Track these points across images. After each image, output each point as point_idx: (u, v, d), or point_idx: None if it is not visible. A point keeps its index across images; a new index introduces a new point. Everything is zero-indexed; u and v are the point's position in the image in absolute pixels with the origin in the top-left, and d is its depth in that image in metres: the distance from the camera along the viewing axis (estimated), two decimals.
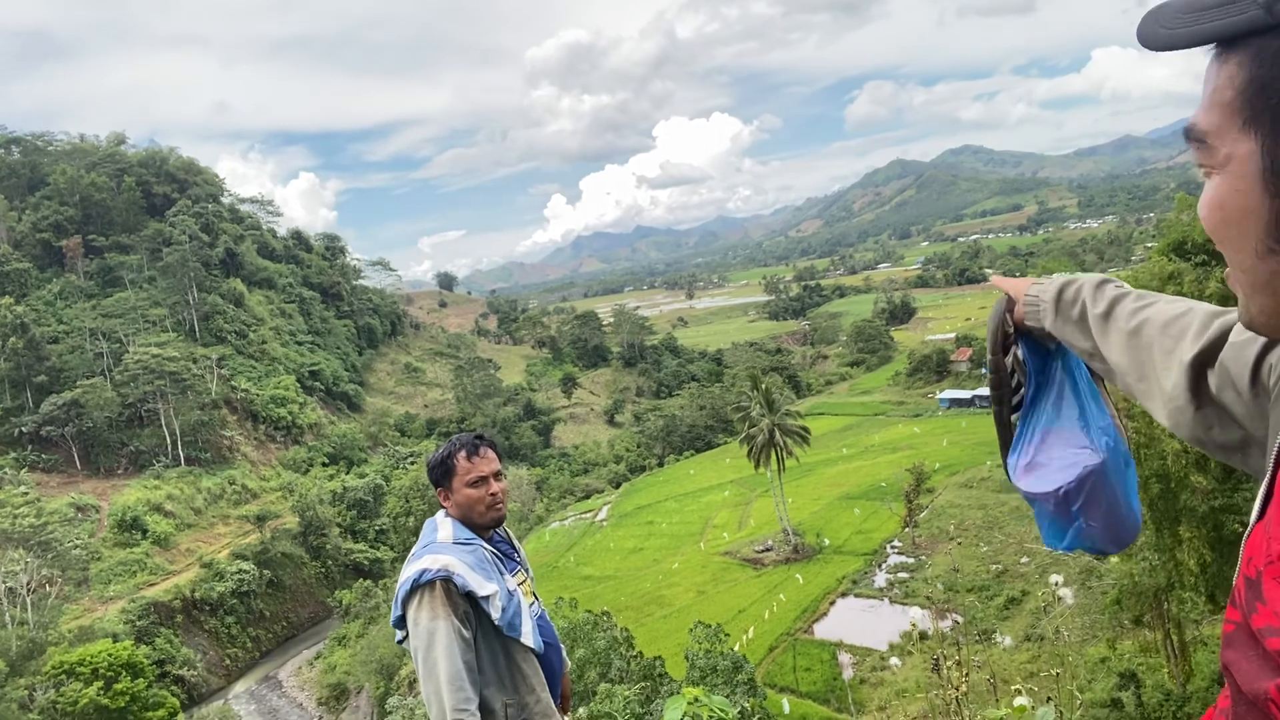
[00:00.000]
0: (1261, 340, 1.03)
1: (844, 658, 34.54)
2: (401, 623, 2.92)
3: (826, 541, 50.29)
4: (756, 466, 53.83)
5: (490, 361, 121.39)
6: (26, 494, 65.54)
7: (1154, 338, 1.22)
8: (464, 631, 2.82)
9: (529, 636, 2.96)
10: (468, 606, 2.86)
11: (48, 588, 55.94)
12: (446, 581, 2.83)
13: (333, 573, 72.08)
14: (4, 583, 53.07)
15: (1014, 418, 1.60)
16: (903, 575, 43.45)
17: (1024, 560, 41.10)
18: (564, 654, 3.35)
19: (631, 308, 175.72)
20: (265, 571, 66.61)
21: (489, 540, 3.12)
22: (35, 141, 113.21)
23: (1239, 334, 1.08)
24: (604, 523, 69.52)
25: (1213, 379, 1.10)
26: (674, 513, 66.47)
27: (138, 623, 56.20)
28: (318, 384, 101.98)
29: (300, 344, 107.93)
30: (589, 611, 31.45)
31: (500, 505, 3.10)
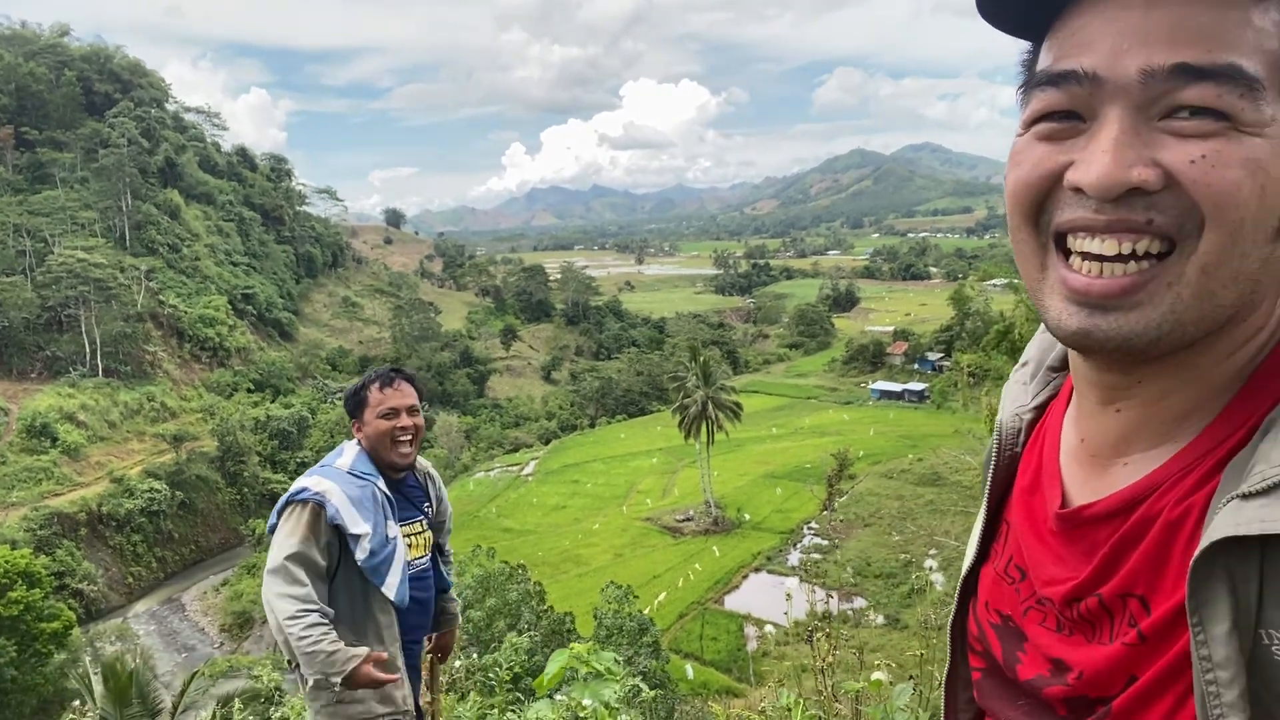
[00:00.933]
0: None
1: (750, 630, 35.39)
2: (273, 532, 2.92)
3: (747, 517, 51.20)
4: (686, 437, 54.35)
5: (431, 305, 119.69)
6: None
7: None
8: (318, 560, 2.79)
9: (391, 589, 2.89)
10: (332, 538, 2.82)
11: None
12: (319, 506, 2.80)
13: (248, 500, 70.81)
14: None
15: None
16: (815, 556, 44.54)
17: (932, 553, 42.47)
18: (450, 610, 3.38)
19: (580, 266, 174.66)
20: (178, 493, 65.12)
21: (399, 482, 3.06)
22: None
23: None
24: (529, 477, 69.59)
25: None
26: (600, 474, 66.84)
27: (39, 532, 54.55)
28: (250, 308, 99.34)
29: (235, 265, 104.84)
30: (505, 563, 31.58)
31: (406, 438, 3.02)
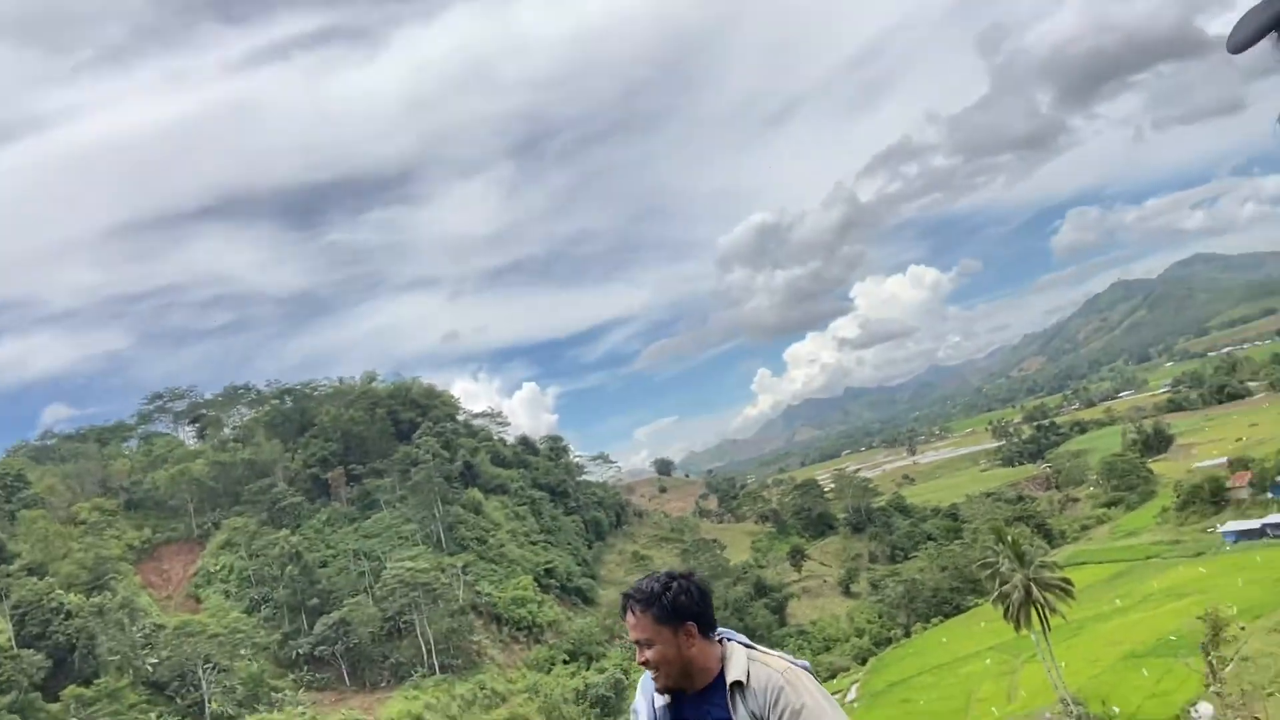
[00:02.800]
0: None
1: None
2: None
3: (1116, 710, 44.16)
4: (1017, 628, 49.05)
5: (715, 541, 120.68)
6: (303, 713, 70.68)
7: None
8: None
9: None
10: None
11: None
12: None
13: None
14: None
15: None
16: None
17: None
18: None
19: (852, 470, 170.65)
20: None
21: (699, 698, 2.84)
22: (303, 389, 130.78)
23: None
24: (855, 703, 64.84)
25: None
26: (931, 687, 61.06)
27: None
28: (553, 581, 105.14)
29: (534, 543, 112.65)
30: None
31: (654, 677, 2.80)
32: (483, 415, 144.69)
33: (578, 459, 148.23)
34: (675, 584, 2.81)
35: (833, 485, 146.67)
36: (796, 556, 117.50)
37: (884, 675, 70.26)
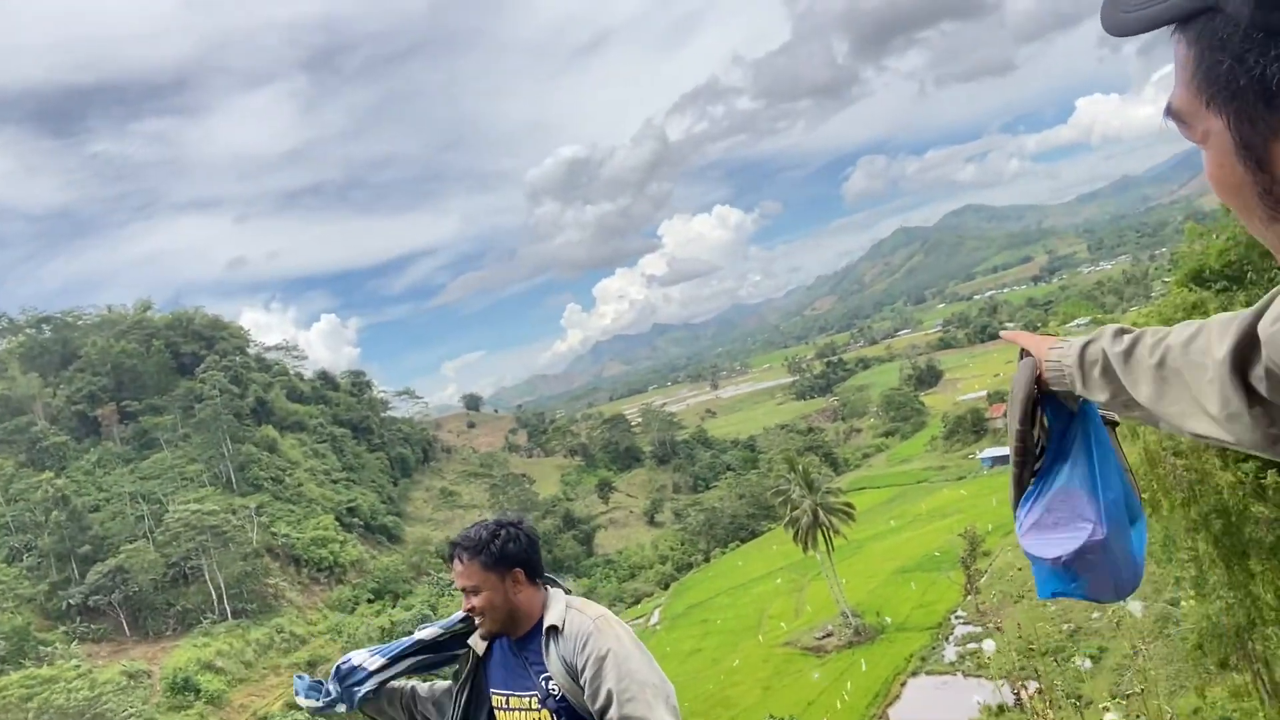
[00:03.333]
0: None
1: None
2: None
3: (888, 620, 48.76)
4: (805, 549, 52.78)
5: (524, 476, 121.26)
6: (78, 666, 65.24)
7: (1180, 358, 1.21)
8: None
9: None
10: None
11: None
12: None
13: None
14: None
15: (1032, 480, 1.63)
16: (972, 646, 41.89)
17: (1095, 616, 39.61)
18: None
19: (658, 405, 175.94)
20: None
21: (522, 643, 2.89)
22: (65, 318, 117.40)
23: (1270, 324, 0.99)
24: (657, 626, 67.91)
25: (1256, 374, 1.05)
26: (727, 608, 64.89)
27: None
28: (356, 520, 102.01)
29: (335, 482, 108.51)
30: None
31: (479, 624, 2.85)
32: (277, 348, 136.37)
33: (382, 394, 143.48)
34: (504, 531, 2.82)
35: (640, 420, 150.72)
36: (604, 489, 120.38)
37: (685, 598, 73.88)
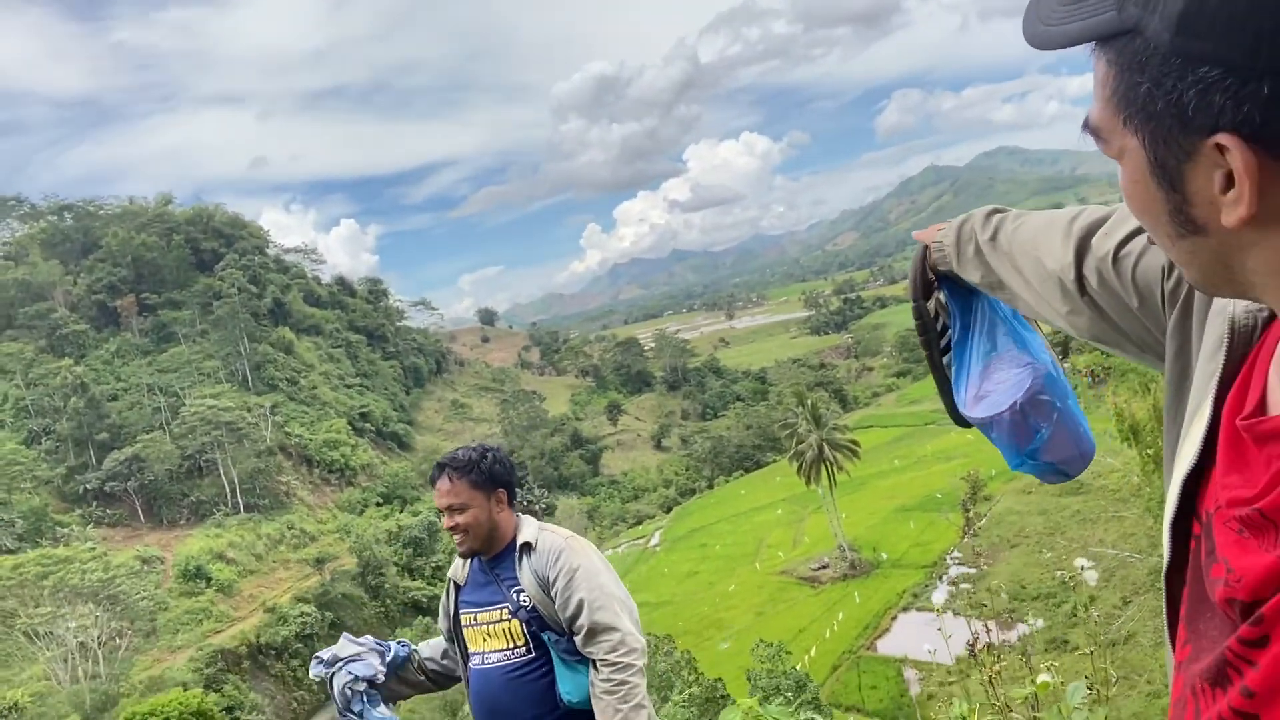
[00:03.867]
0: (1130, 239, 1.08)
1: (910, 674, 33.93)
2: None
3: (884, 556, 49.54)
4: (807, 483, 53.35)
5: (535, 393, 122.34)
6: (93, 549, 67.36)
7: (1029, 251, 1.28)
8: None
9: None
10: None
11: (118, 640, 57.30)
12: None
13: (392, 611, 72.71)
14: (76, 637, 54.49)
15: (946, 360, 1.64)
16: (965, 586, 42.56)
17: (1087, 565, 40.10)
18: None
19: (672, 331, 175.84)
20: (327, 613, 67.43)
21: (494, 561, 3.02)
22: (87, 207, 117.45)
23: (1102, 238, 1.13)
24: (657, 548, 69.28)
25: (1087, 274, 1.15)
26: (727, 534, 66.01)
27: (206, 670, 57.20)
28: (368, 425, 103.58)
29: (349, 387, 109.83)
30: (650, 634, 31.40)
31: (460, 541, 2.94)
32: (296, 251, 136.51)
33: (398, 303, 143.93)
34: (490, 454, 3.00)
35: (653, 345, 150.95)
36: (613, 411, 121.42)
37: (686, 523, 75.17)
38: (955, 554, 46.97)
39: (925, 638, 38.34)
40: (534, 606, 2.86)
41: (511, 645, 2.90)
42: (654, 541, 71.91)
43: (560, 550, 2.87)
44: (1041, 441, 1.50)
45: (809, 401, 55.74)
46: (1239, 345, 0.86)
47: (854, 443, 54.06)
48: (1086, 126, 0.74)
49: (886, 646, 39.21)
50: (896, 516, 55.86)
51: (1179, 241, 0.73)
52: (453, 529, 2.92)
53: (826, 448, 51.22)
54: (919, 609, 41.96)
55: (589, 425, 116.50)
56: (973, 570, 44.14)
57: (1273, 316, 0.85)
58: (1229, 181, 0.66)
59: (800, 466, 52.53)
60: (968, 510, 46.60)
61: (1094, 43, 0.70)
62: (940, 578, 44.76)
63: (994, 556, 44.80)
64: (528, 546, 2.91)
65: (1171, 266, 1.02)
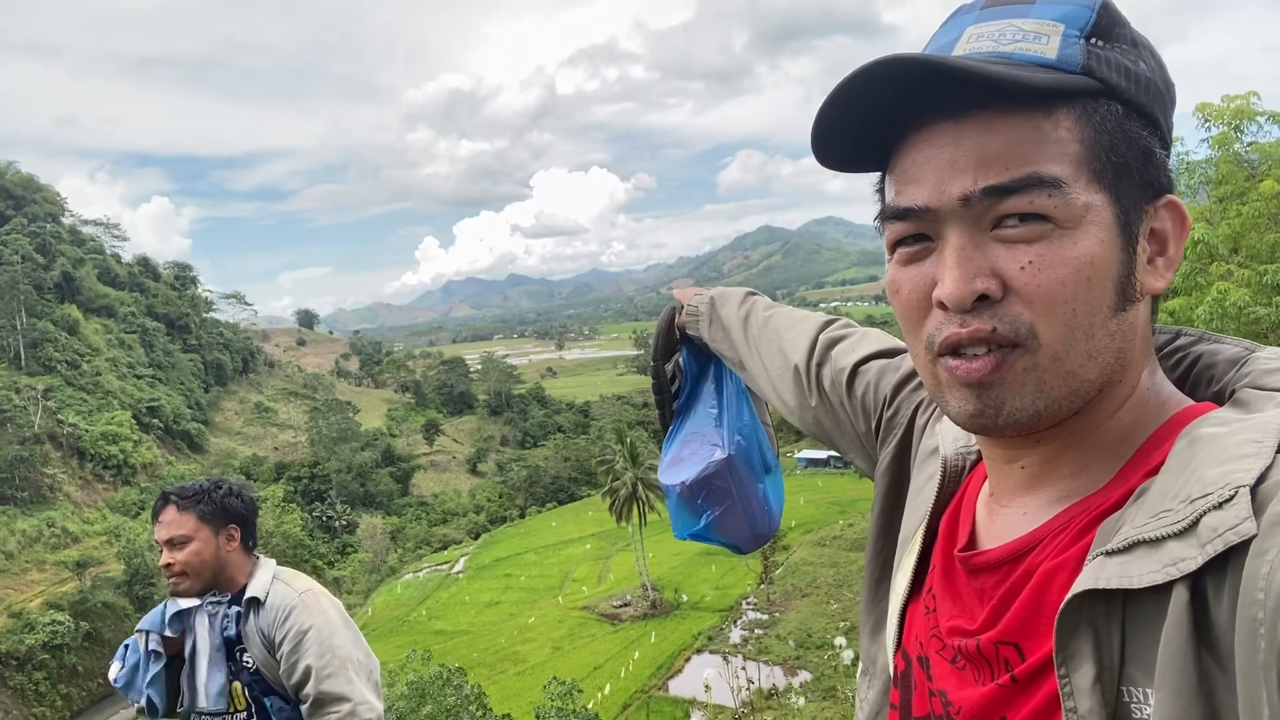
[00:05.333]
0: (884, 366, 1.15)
1: (696, 716, 34.57)
2: None
3: (684, 597, 50.54)
4: (619, 520, 53.77)
5: (349, 404, 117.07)
6: None
7: (773, 342, 1.36)
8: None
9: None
10: None
11: None
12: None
13: None
14: None
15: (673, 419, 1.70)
16: (758, 632, 44.09)
17: (837, 640, 42.51)
18: None
19: (500, 355, 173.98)
20: (82, 623, 60.95)
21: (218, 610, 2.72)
22: None
23: (845, 354, 1.22)
24: (460, 575, 67.59)
25: (825, 379, 1.23)
26: (533, 565, 65.37)
27: None
28: (156, 421, 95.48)
29: (139, 378, 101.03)
30: (442, 666, 30.35)
31: (176, 583, 2.65)
32: (95, 223, 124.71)
33: (208, 293, 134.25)
34: (226, 486, 2.78)
35: (479, 367, 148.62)
36: (431, 430, 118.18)
37: (493, 551, 73.79)
38: (751, 599, 48.61)
39: (716, 680, 39.34)
40: (257, 669, 2.60)
41: (232, 709, 2.63)
42: (458, 568, 70.13)
43: (290, 608, 2.60)
44: (708, 521, 1.53)
45: (628, 439, 56.40)
46: (949, 483, 0.89)
47: None
48: (1040, 182, 0.69)
49: (678, 687, 39.82)
50: (700, 559, 57.22)
51: (1113, 318, 0.70)
52: (167, 567, 2.63)
53: (640, 486, 51.90)
54: (712, 651, 42.99)
55: (403, 443, 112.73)
56: (765, 616, 45.85)
57: (979, 459, 0.88)
58: (1153, 248, 0.70)
59: (613, 503, 52.92)
60: (766, 558, 48.57)
61: (1051, 100, 0.69)
62: (735, 622, 46.15)
63: (786, 604, 46.73)
64: (255, 602, 2.63)
65: (894, 395, 1.07)
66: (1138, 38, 0.72)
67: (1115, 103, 0.69)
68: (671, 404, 1.68)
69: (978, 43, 0.74)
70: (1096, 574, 0.62)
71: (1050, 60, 0.69)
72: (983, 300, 0.70)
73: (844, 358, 1.19)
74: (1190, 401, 0.75)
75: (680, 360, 1.66)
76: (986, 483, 0.83)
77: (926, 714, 0.78)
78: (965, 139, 0.70)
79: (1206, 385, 0.77)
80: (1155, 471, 0.68)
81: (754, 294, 1.52)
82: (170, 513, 2.66)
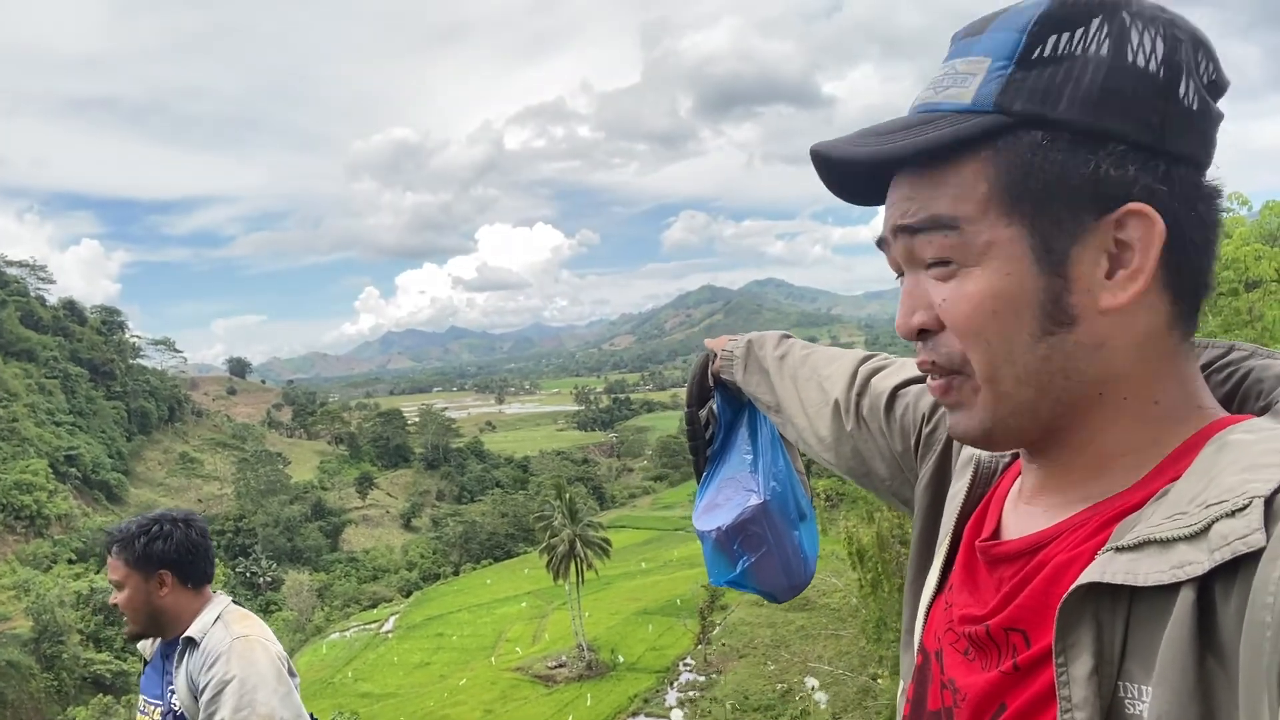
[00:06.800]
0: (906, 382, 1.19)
1: None
2: None
3: (620, 658, 49.66)
4: (556, 578, 52.89)
5: (280, 455, 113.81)
6: None
7: (819, 370, 1.37)
8: None
9: None
10: None
11: None
12: None
13: (66, 686, 62.94)
14: None
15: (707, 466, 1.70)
16: (693, 694, 43.45)
17: (808, 681, 42.30)
18: None
19: (439, 408, 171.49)
20: None
21: (168, 647, 2.71)
22: None
23: (880, 380, 1.24)
24: (390, 634, 65.47)
25: (865, 407, 1.25)
26: (466, 624, 63.69)
27: None
28: (74, 470, 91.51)
29: (59, 425, 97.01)
30: None
31: (125, 622, 2.69)
32: (20, 264, 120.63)
33: (135, 339, 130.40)
34: (155, 528, 2.64)
35: (417, 419, 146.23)
36: (364, 483, 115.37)
37: (425, 609, 71.75)
38: (688, 660, 47.99)
39: None
40: (181, 712, 2.55)
41: None
42: (387, 627, 67.95)
43: (219, 655, 2.50)
44: (744, 567, 1.53)
45: (567, 495, 55.85)
46: (980, 484, 0.92)
47: (606, 541, 54.49)
48: (937, 224, 0.73)
49: None
50: (637, 619, 56.47)
51: (1041, 342, 0.71)
52: (114, 605, 2.65)
53: (579, 543, 51.25)
54: (648, 714, 42.20)
55: (335, 496, 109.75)
56: (702, 678, 45.26)
57: (1013, 460, 0.90)
58: (1111, 263, 0.69)
59: (550, 560, 52.10)
60: (704, 618, 48.17)
61: (949, 150, 0.71)
62: (672, 684, 45.45)
63: (723, 665, 46.23)
64: (191, 642, 2.57)
65: (932, 413, 1.10)
66: (1100, 35, 0.69)
67: (1035, 131, 0.69)
68: (705, 450, 1.69)
69: (924, 92, 0.77)
70: (1103, 568, 0.63)
71: (965, 106, 0.71)
72: (925, 332, 0.76)
73: (883, 383, 1.22)
74: (1225, 413, 0.75)
75: (714, 407, 1.67)
76: (1017, 481, 0.85)
77: (939, 709, 0.80)
78: (899, 188, 0.76)
79: (1255, 400, 0.77)
80: (1181, 476, 0.69)
81: (789, 336, 1.54)
82: (110, 557, 2.66)
